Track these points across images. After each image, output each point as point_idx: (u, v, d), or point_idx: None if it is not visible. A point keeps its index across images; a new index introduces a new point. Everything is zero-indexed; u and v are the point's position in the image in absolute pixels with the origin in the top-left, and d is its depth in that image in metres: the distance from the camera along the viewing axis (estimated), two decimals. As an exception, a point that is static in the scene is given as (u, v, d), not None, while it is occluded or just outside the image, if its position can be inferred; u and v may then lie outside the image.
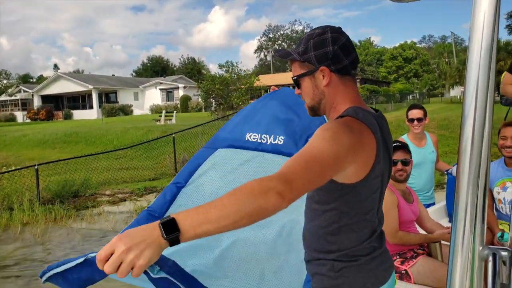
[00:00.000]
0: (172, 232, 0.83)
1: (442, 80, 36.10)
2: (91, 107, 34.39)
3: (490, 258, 0.77)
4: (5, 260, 5.45)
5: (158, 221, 0.85)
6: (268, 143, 1.71)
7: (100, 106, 32.94)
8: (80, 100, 35.98)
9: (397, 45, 50.49)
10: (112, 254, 0.82)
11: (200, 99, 27.78)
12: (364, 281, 1.17)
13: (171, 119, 20.75)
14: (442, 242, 2.31)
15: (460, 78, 25.85)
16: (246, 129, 1.74)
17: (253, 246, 1.61)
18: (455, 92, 33.22)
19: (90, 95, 34.44)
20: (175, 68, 55.20)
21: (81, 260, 1.15)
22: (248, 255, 1.58)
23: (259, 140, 1.71)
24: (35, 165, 7.86)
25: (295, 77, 1.22)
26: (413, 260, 2.26)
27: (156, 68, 54.19)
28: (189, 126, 14.06)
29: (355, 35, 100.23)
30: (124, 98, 35.53)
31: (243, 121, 1.76)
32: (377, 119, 1.18)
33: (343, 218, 1.16)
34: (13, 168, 8.33)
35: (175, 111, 23.42)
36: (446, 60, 41.88)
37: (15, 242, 6.09)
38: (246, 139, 1.73)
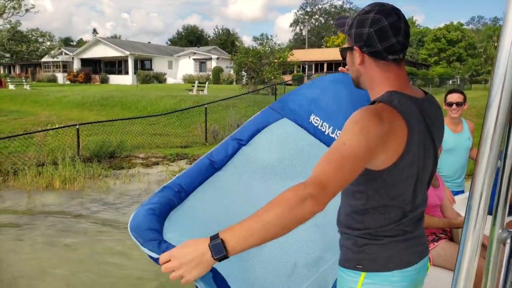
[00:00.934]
0: (220, 253, 0.97)
1: (488, 65, 34.10)
2: (126, 72, 35.27)
3: (508, 241, 0.79)
4: (49, 206, 5.95)
5: (208, 242, 0.97)
6: (325, 133, 1.67)
7: (135, 73, 33.75)
8: (116, 65, 36.93)
9: (441, 25, 47.78)
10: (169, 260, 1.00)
11: (232, 72, 27.84)
12: (386, 260, 1.19)
13: (203, 90, 21.04)
14: None
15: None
16: (312, 108, 1.69)
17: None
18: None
19: (126, 61, 35.23)
20: (209, 39, 55.14)
21: (156, 255, 1.17)
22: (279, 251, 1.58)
23: (319, 127, 1.68)
24: (76, 125, 8.34)
25: (341, 49, 1.25)
26: (435, 243, 2.28)
27: (190, 38, 54.37)
28: (221, 98, 14.25)
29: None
30: (159, 66, 36.12)
31: (313, 100, 1.70)
32: (420, 104, 1.16)
33: (370, 201, 1.18)
34: (60, 125, 8.86)
35: (207, 82, 23.66)
36: (495, 44, 39.35)
37: (57, 195, 6.61)
38: (310, 120, 1.70)
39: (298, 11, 62.54)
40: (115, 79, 34.94)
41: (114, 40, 42.43)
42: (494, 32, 46.10)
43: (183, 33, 56.69)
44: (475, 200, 0.75)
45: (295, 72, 29.93)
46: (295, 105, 1.72)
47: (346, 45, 1.23)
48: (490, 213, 0.78)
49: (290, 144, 1.67)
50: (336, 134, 1.62)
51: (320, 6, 59.97)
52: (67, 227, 5.29)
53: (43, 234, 5.01)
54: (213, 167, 1.57)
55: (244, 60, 19.53)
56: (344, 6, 59.70)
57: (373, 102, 1.15)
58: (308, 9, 59.96)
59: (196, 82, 23.18)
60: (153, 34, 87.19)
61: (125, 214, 5.75)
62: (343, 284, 1.26)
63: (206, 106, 11.38)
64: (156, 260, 1.13)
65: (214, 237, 0.98)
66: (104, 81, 35.30)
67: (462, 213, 2.49)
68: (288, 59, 21.14)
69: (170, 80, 35.10)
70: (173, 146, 10.32)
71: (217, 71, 32.99)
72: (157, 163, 8.55)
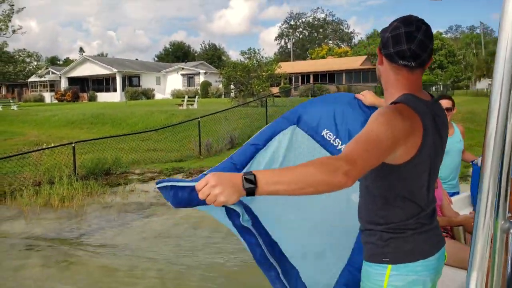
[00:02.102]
0: (251, 183, 1.02)
1: (468, 72, 35.06)
2: (114, 90, 35.23)
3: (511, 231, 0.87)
4: (48, 233, 5.98)
5: (242, 173, 1.05)
6: (338, 148, 1.72)
7: (123, 89, 33.74)
8: (104, 83, 36.89)
9: (422, 35, 48.87)
10: (205, 186, 1.05)
11: (220, 85, 28.08)
12: (409, 252, 1.26)
13: (193, 104, 21.20)
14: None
15: (488, 70, 24.93)
16: (325, 123, 1.73)
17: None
18: (481, 85, 32.19)
19: (114, 78, 35.24)
20: (196, 54, 55.52)
21: (191, 184, 1.35)
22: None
23: (331, 141, 1.73)
24: (72, 143, 8.40)
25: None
26: None
27: (177, 54, 54.67)
28: (211, 111, 14.39)
29: (379, 24, 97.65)
30: (147, 82, 36.20)
31: (325, 115, 1.75)
32: (430, 107, 1.27)
33: (389, 196, 1.27)
34: (51, 145, 8.89)
35: (197, 96, 23.85)
36: (474, 51, 40.60)
37: (55, 213, 6.64)
38: (322, 134, 1.75)
39: (282, 24, 63.71)
40: (103, 97, 34.85)
41: (101, 58, 42.43)
42: (471, 39, 47.63)
43: (170, 49, 57.02)
44: (483, 196, 0.82)
45: (282, 84, 30.37)
46: (308, 117, 1.78)
47: None
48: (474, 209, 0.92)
49: (301, 149, 1.75)
50: None
51: (303, 20, 61.24)
52: (67, 248, 5.34)
53: (45, 256, 5.05)
54: (236, 168, 1.69)
55: (233, 74, 19.82)
56: (327, 18, 61.02)
57: (393, 104, 1.25)
58: (292, 23, 61.14)
59: (186, 96, 23.34)
60: (140, 51, 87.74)
61: (128, 228, 5.83)
62: (370, 278, 1.32)
63: (199, 119, 11.53)
64: (186, 199, 1.26)
65: (248, 172, 1.05)
66: (92, 99, 35.18)
67: (461, 213, 2.56)
68: (276, 72, 21.52)
69: (158, 96, 35.17)
70: (168, 161, 10.41)
71: (205, 85, 33.24)
72: (153, 178, 8.63)
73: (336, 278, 1.69)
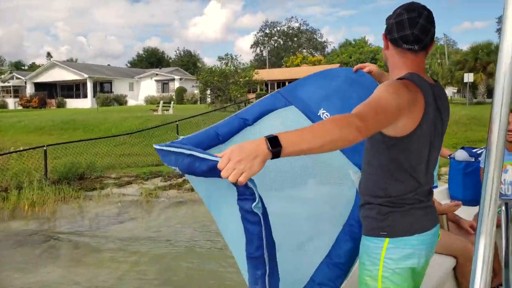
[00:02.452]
0: (276, 145, 0.99)
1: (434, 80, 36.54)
2: (85, 96, 34.12)
3: (503, 208, 1.15)
4: (19, 234, 5.56)
5: (264, 137, 1.01)
6: None
7: (94, 96, 32.73)
8: (74, 89, 35.63)
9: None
10: (229, 163, 0.99)
11: (196, 91, 27.77)
12: (407, 225, 1.32)
13: (168, 110, 20.79)
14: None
15: (451, 79, 26.25)
16: (322, 104, 1.69)
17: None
18: (447, 92, 33.76)
19: (84, 84, 34.14)
20: (170, 60, 54.90)
21: (214, 159, 1.11)
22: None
23: None
24: (43, 146, 7.94)
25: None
26: None
27: (151, 60, 53.81)
28: (188, 116, 14.16)
29: (350, 34, 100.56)
30: (119, 88, 35.32)
31: (326, 96, 1.70)
32: (433, 88, 1.34)
33: (391, 168, 1.32)
34: (20, 148, 8.38)
35: (172, 102, 23.43)
36: (438, 61, 42.49)
37: (25, 220, 6.19)
38: (319, 114, 1.70)
39: (257, 33, 64.03)
40: (73, 103, 33.63)
41: (72, 63, 41.07)
42: (436, 50, 49.92)
43: (143, 55, 56.02)
44: (488, 184, 0.92)
45: (258, 90, 30.46)
46: (305, 95, 1.73)
47: None
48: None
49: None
50: None
51: (278, 28, 61.98)
52: (46, 248, 4.95)
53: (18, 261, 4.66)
54: (218, 139, 1.57)
55: (210, 79, 19.64)
56: (302, 28, 62.11)
57: (399, 79, 1.30)
58: (267, 31, 61.74)
59: (161, 101, 22.89)
60: (112, 57, 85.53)
61: (105, 233, 5.49)
62: (368, 252, 1.36)
63: (177, 122, 11.27)
64: (209, 171, 1.09)
65: (270, 136, 1.02)
66: (61, 105, 33.85)
67: (442, 202, 2.70)
68: (253, 78, 21.53)
69: (131, 102, 34.34)
70: (145, 165, 10.05)
71: (181, 91, 32.79)
72: (130, 182, 8.28)
73: (310, 274, 1.58)
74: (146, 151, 11.25)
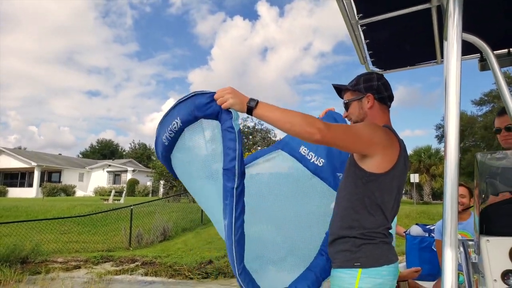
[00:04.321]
0: (252, 103, 1.35)
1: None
2: (30, 185, 32.44)
3: (461, 249, 1.43)
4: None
5: (249, 97, 1.38)
6: (311, 161, 1.89)
7: (40, 185, 31.28)
8: (19, 177, 33.89)
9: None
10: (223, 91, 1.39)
11: (149, 183, 27.60)
12: (377, 256, 1.43)
13: (119, 199, 20.49)
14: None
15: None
16: (303, 142, 1.87)
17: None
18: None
19: (31, 173, 32.74)
20: (124, 153, 54.76)
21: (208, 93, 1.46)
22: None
23: (306, 156, 1.91)
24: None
25: (347, 101, 1.62)
26: None
27: (104, 151, 53.38)
28: (141, 204, 14.01)
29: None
30: (68, 178, 34.20)
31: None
32: (402, 141, 1.51)
33: (367, 201, 1.44)
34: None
35: (124, 192, 23.14)
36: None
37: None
38: (300, 150, 1.92)
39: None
40: (16, 192, 31.62)
41: (19, 150, 39.64)
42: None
43: (96, 147, 55.56)
44: (447, 218, 1.09)
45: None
46: (289, 138, 1.97)
47: (351, 98, 1.62)
48: None
49: (282, 168, 1.95)
50: (319, 161, 1.92)
51: (233, 127, 65.08)
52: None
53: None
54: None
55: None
56: (256, 127, 65.88)
57: None
58: (222, 129, 64.51)
59: (113, 191, 22.53)
60: (62, 148, 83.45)
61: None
62: (341, 283, 1.45)
63: (132, 207, 11.32)
64: (207, 103, 1.44)
65: (255, 99, 1.37)
66: (1, 194, 31.67)
67: None
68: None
69: (79, 193, 33.02)
70: (94, 251, 9.73)
71: (133, 183, 32.36)
72: (78, 267, 8.03)
73: (289, 282, 1.74)
74: (94, 239, 10.86)
